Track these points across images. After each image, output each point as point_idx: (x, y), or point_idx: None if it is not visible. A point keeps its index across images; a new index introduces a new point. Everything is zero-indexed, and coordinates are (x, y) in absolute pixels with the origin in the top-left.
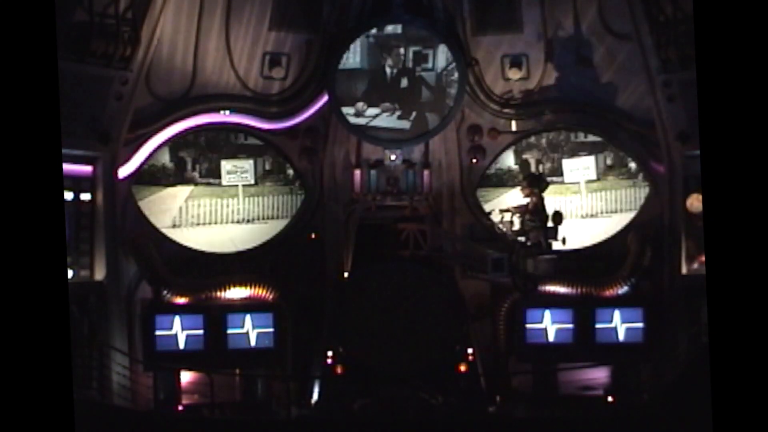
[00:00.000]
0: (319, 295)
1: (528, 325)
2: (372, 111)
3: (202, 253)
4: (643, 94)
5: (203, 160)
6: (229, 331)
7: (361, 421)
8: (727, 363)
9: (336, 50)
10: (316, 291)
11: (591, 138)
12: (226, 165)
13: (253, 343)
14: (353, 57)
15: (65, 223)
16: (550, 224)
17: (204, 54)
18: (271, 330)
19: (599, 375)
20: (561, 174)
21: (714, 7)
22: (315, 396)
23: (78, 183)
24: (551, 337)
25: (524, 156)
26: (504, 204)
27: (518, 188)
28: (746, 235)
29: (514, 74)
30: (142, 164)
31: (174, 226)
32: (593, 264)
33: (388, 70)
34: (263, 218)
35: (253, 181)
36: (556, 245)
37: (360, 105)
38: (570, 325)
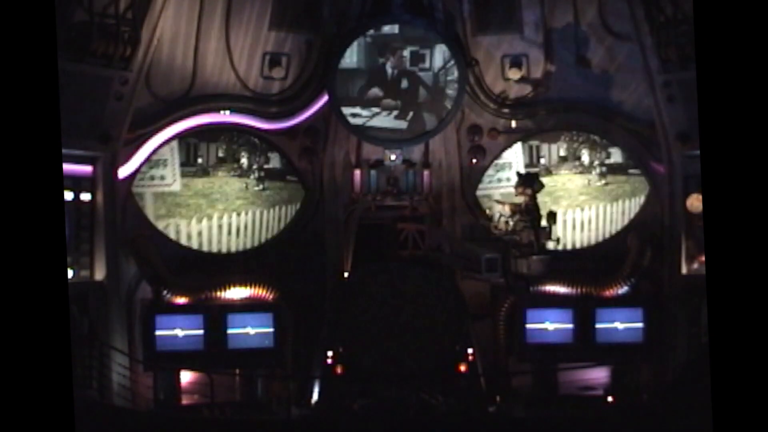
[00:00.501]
0: (319, 295)
1: (528, 325)
2: (369, 110)
3: (202, 253)
4: (643, 94)
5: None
6: (229, 331)
7: (361, 421)
8: (727, 363)
9: (336, 50)
10: (316, 291)
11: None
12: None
13: (253, 343)
14: (350, 57)
15: (65, 223)
16: (544, 224)
17: (204, 54)
18: (271, 330)
19: (599, 375)
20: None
21: (714, 7)
22: (315, 396)
23: (78, 183)
24: (551, 337)
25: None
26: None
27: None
28: (746, 235)
29: (514, 74)
30: (142, 164)
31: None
32: (593, 264)
33: (389, 70)
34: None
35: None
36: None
37: (374, 91)
38: (570, 325)
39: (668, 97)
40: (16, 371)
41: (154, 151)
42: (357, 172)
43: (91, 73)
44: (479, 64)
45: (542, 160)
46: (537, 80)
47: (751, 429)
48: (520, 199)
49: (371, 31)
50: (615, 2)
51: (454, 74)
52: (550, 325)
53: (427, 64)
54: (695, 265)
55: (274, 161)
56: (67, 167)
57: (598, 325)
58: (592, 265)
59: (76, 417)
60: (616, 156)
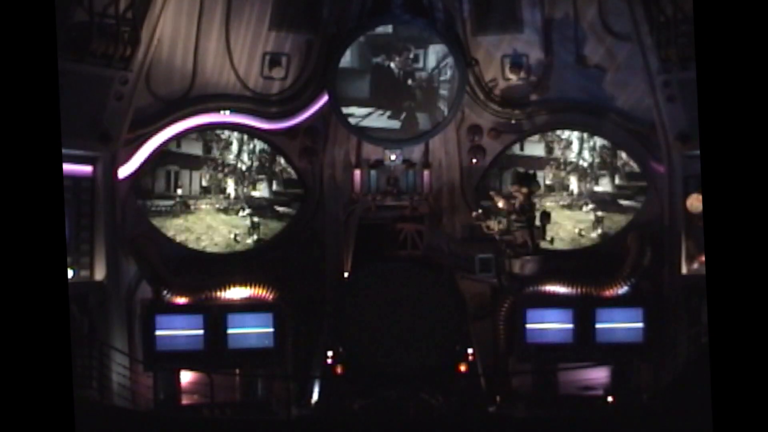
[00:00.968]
0: (319, 295)
1: (528, 325)
2: (363, 111)
3: (202, 253)
4: (643, 94)
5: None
6: (229, 331)
7: (361, 421)
8: (727, 363)
9: (336, 50)
10: (316, 291)
11: None
12: None
13: (253, 343)
14: (350, 57)
15: (65, 224)
16: (537, 224)
17: (204, 54)
18: (271, 330)
19: (599, 375)
20: None
21: (714, 7)
22: (315, 396)
23: (78, 183)
24: (551, 337)
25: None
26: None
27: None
28: (746, 235)
29: (514, 74)
30: (142, 164)
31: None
32: (593, 264)
33: (395, 70)
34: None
35: None
36: (559, 245)
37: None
38: (570, 325)
39: (668, 97)
40: (16, 371)
41: (154, 151)
42: (357, 172)
43: (91, 73)
44: (479, 64)
45: None
46: (537, 80)
47: (751, 429)
48: (516, 198)
49: (372, 31)
50: (615, 2)
51: (447, 74)
52: (550, 325)
53: (421, 65)
54: (695, 265)
55: (262, 189)
56: (67, 167)
57: (598, 325)
58: (592, 265)
59: (76, 417)
60: (604, 184)
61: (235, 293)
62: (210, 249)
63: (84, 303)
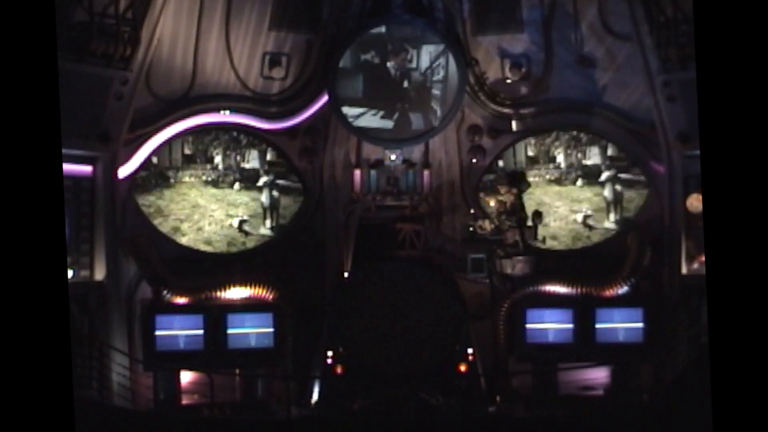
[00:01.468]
0: (319, 295)
1: (528, 325)
2: (356, 111)
3: (202, 253)
4: (643, 94)
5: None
6: (229, 331)
7: (361, 421)
8: (727, 363)
9: (336, 50)
10: (316, 291)
11: None
12: None
13: (253, 343)
14: (350, 57)
15: (65, 224)
16: (530, 224)
17: (204, 54)
18: (271, 330)
19: (599, 375)
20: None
21: (714, 7)
22: (315, 396)
23: (78, 183)
24: (551, 337)
25: None
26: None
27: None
28: (746, 235)
29: (514, 74)
30: (142, 164)
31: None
32: (593, 264)
33: (392, 71)
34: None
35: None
36: (558, 245)
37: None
38: (570, 325)
39: (668, 97)
40: (17, 371)
41: (154, 151)
42: (357, 172)
43: (91, 73)
44: (479, 64)
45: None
46: (537, 80)
47: (751, 429)
48: (506, 198)
49: (372, 30)
50: (615, 2)
51: (440, 74)
52: (550, 325)
53: (414, 64)
54: (695, 265)
55: (252, 159)
56: (67, 167)
57: (598, 325)
58: (592, 265)
59: (76, 417)
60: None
61: (235, 293)
62: (203, 247)
63: (84, 303)
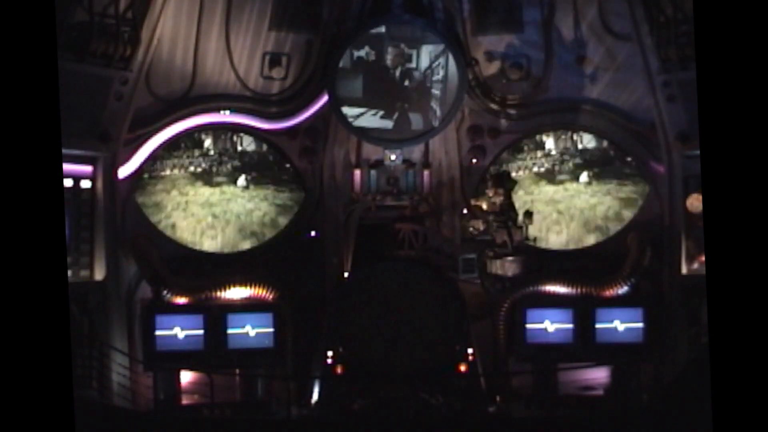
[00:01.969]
0: (319, 295)
1: (528, 325)
2: (356, 111)
3: (202, 253)
4: (643, 94)
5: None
6: (229, 331)
7: (361, 421)
8: (727, 363)
9: (336, 50)
10: (316, 291)
11: None
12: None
13: (253, 343)
14: (349, 57)
15: (65, 224)
16: (522, 224)
17: (204, 54)
18: (271, 330)
19: (599, 375)
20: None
21: (714, 7)
22: (315, 396)
23: (78, 183)
24: (551, 337)
25: None
26: None
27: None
28: (746, 235)
29: (514, 74)
30: (142, 164)
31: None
32: (593, 264)
33: (392, 70)
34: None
35: None
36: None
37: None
38: (570, 325)
39: (668, 97)
40: (17, 371)
41: (155, 151)
42: (357, 172)
43: (91, 73)
44: (479, 64)
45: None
46: (537, 80)
47: (751, 429)
48: (495, 199)
49: (372, 29)
50: (615, 2)
51: (440, 74)
52: (550, 325)
53: (413, 64)
54: (695, 265)
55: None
56: (67, 167)
57: (598, 325)
58: (592, 265)
59: (76, 417)
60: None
61: (235, 293)
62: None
63: (84, 303)
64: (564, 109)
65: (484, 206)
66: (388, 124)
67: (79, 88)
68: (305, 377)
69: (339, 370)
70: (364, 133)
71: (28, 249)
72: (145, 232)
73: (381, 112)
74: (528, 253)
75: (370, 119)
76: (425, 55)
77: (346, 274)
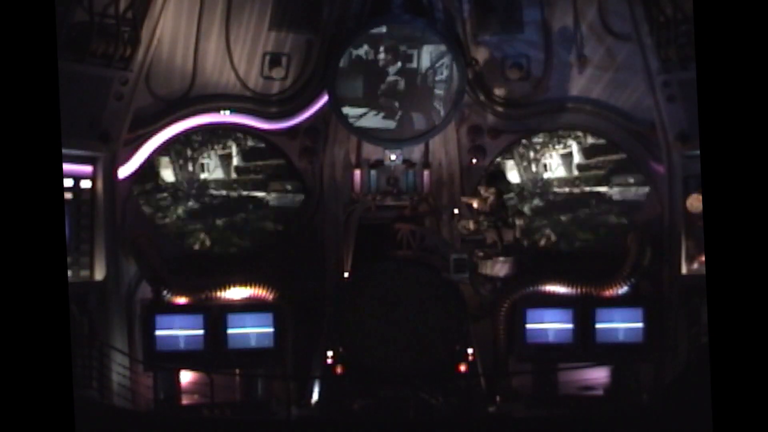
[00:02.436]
0: (319, 295)
1: (528, 325)
2: (357, 111)
3: (202, 253)
4: (643, 94)
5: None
6: (229, 331)
7: (361, 421)
8: (727, 363)
9: (336, 50)
10: (316, 291)
11: None
12: None
13: (253, 343)
14: (349, 57)
15: (65, 224)
16: (513, 224)
17: (204, 54)
18: (271, 330)
19: (599, 375)
20: None
21: (714, 7)
22: (315, 396)
23: (78, 183)
24: (551, 337)
25: None
26: None
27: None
28: (746, 235)
29: (514, 74)
30: (142, 164)
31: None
32: (593, 264)
33: (389, 69)
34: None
35: None
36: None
37: (383, 100)
38: (570, 325)
39: (668, 97)
40: (17, 371)
41: (155, 151)
42: (357, 172)
43: (91, 73)
44: (479, 64)
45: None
46: (537, 80)
47: (751, 429)
48: (487, 198)
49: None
50: (615, 2)
51: (443, 74)
52: (550, 325)
53: (414, 64)
54: (695, 265)
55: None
56: (67, 167)
57: (598, 325)
58: (592, 265)
59: (76, 417)
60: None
61: (235, 293)
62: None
63: (84, 303)
64: (564, 109)
65: (475, 205)
66: (391, 124)
67: (79, 88)
68: (305, 377)
69: (339, 370)
70: (365, 133)
71: (28, 249)
72: (145, 232)
73: (383, 113)
74: (520, 254)
75: (373, 119)
76: (426, 54)
77: (346, 274)
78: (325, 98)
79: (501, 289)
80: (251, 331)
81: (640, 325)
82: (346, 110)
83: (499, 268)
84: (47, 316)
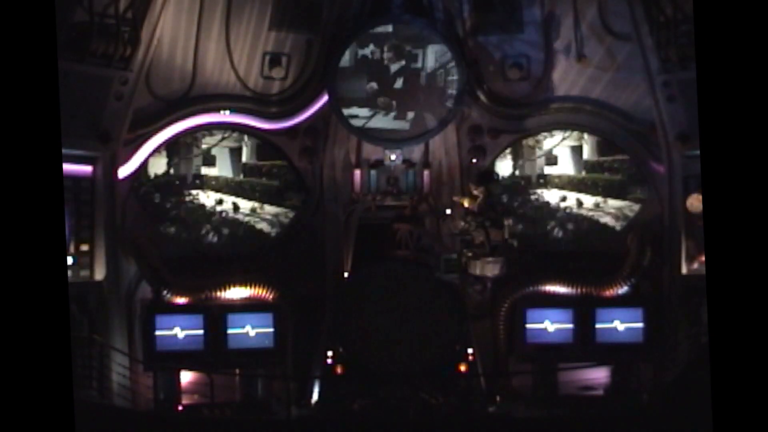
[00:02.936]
0: (319, 295)
1: (528, 325)
2: (364, 111)
3: (202, 253)
4: (643, 94)
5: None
6: (229, 331)
7: (361, 421)
8: (727, 363)
9: (336, 50)
10: (316, 291)
11: None
12: None
13: (253, 343)
14: (349, 56)
15: (65, 224)
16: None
17: (204, 54)
18: (271, 330)
19: (599, 375)
20: None
21: (714, 7)
22: (315, 396)
23: (78, 183)
24: (551, 337)
25: None
26: None
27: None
28: (746, 235)
29: (514, 74)
30: (142, 164)
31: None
32: (593, 264)
33: (391, 67)
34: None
35: None
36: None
37: (372, 85)
38: (570, 325)
39: (668, 97)
40: (17, 371)
41: (154, 151)
42: (357, 172)
43: (91, 73)
44: (479, 63)
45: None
46: (537, 80)
47: (751, 429)
48: (477, 198)
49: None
50: (615, 2)
51: (455, 74)
52: (550, 325)
53: (419, 64)
54: (695, 265)
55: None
56: (67, 167)
57: (598, 325)
58: (592, 265)
59: (76, 417)
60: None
61: (235, 293)
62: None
63: (84, 303)
64: (564, 109)
65: (466, 204)
66: (405, 125)
67: (79, 88)
68: (305, 377)
69: (339, 370)
70: (365, 133)
71: (28, 249)
72: (145, 232)
73: (393, 113)
74: (510, 254)
75: (385, 120)
76: (431, 54)
77: (346, 274)
78: (325, 98)
79: (491, 290)
80: (251, 331)
81: (640, 325)
82: (354, 111)
83: (489, 268)
84: (47, 316)
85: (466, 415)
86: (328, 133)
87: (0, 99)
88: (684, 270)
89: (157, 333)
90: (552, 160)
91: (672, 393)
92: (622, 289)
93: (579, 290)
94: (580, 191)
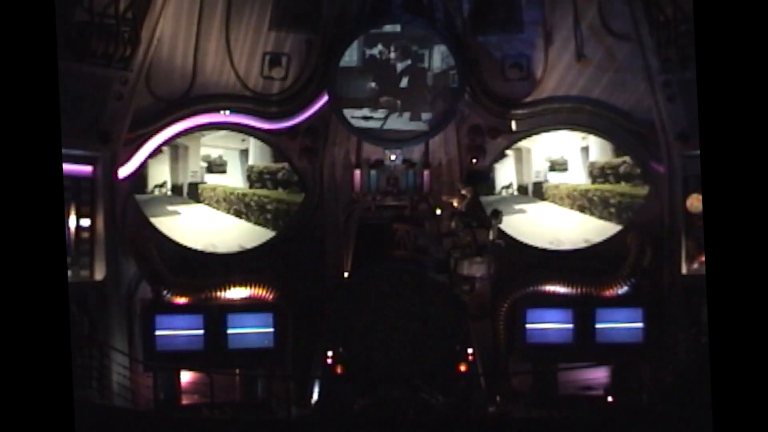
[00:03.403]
0: (319, 295)
1: (528, 325)
2: (363, 112)
3: (202, 253)
4: (643, 94)
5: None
6: (229, 331)
7: (361, 421)
8: (727, 363)
9: (336, 50)
10: (316, 291)
11: None
12: None
13: (253, 343)
14: (350, 56)
15: (65, 224)
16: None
17: (204, 54)
18: (271, 330)
19: (599, 375)
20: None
21: (714, 7)
22: (315, 396)
23: (78, 183)
24: (551, 337)
25: None
26: None
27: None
28: (746, 235)
29: (514, 74)
30: (142, 164)
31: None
32: (593, 264)
33: (396, 66)
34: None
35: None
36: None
37: (384, 99)
38: (570, 325)
39: (668, 97)
40: (17, 371)
41: (154, 151)
42: (357, 172)
43: (91, 73)
44: (479, 64)
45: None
46: (537, 80)
47: (751, 429)
48: (465, 197)
49: (373, 29)
50: (615, 2)
51: (442, 74)
52: (550, 325)
53: (425, 64)
54: (695, 265)
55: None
56: (67, 167)
57: (598, 325)
58: (591, 265)
59: (76, 417)
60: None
61: (235, 293)
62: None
63: (84, 303)
64: (564, 110)
65: (455, 203)
66: (423, 126)
67: (79, 88)
68: (305, 377)
69: (339, 370)
70: (365, 133)
71: (28, 249)
72: (145, 232)
73: (407, 114)
74: (498, 254)
75: (397, 121)
76: (437, 54)
77: (346, 274)
78: (325, 98)
79: (479, 290)
80: (251, 331)
81: (640, 325)
82: (366, 113)
83: (476, 268)
84: (47, 316)
85: (466, 415)
86: (328, 133)
87: (0, 99)
88: (684, 270)
89: (157, 333)
90: (552, 166)
91: (672, 393)
92: (622, 289)
93: (579, 290)
94: (580, 197)
